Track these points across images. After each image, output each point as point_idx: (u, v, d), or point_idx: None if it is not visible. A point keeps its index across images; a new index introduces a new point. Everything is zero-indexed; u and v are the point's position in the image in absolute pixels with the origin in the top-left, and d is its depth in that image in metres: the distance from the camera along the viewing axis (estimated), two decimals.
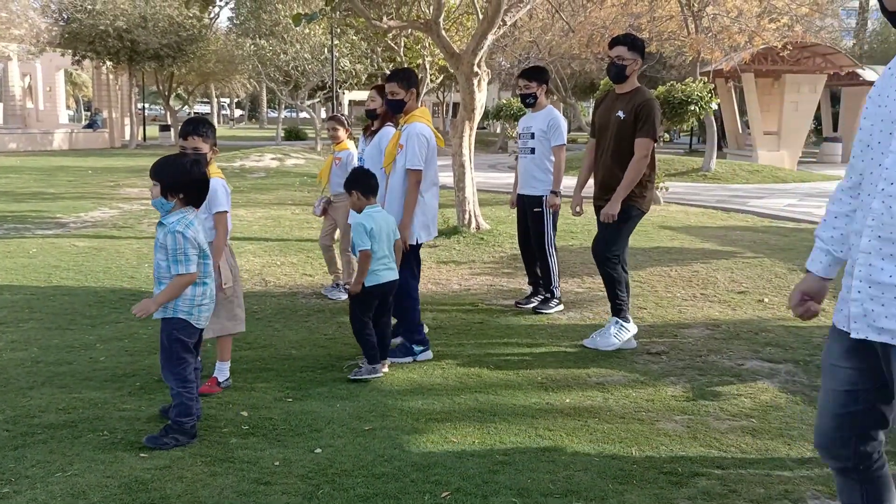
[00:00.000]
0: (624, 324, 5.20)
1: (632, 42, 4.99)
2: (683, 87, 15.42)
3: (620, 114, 4.95)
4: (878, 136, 2.06)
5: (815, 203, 13.82)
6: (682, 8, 18.00)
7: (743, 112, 26.19)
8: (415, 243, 4.94)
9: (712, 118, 18.16)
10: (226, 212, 4.17)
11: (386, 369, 4.66)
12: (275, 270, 7.63)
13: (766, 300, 6.57)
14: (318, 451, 3.50)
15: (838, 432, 2.24)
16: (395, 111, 5.10)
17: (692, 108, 15.59)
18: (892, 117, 2.02)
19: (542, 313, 6.12)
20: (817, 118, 29.32)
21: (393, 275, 4.60)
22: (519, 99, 6.31)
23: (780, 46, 19.15)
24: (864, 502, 2.29)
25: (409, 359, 4.90)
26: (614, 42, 5.03)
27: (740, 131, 27.24)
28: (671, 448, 3.59)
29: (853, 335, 2.09)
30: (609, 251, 5.12)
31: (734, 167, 19.48)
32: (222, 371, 4.36)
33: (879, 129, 2.05)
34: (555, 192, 6.01)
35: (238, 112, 76.86)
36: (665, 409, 4.10)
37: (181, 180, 3.48)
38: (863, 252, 2.05)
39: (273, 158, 21.20)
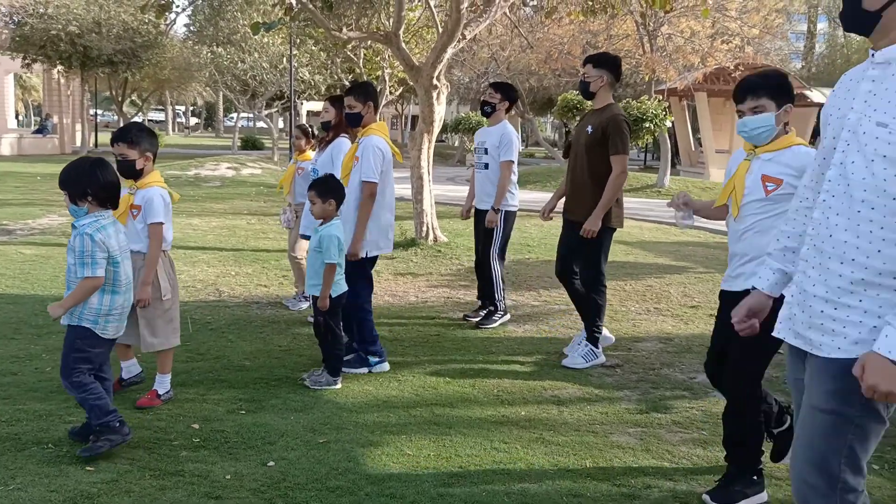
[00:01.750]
0: (594, 348, 5.23)
1: (597, 59, 5.11)
2: (639, 104, 15.69)
3: (589, 128, 5.06)
4: (826, 151, 2.13)
5: None
6: (637, 27, 18.35)
7: (696, 130, 26.72)
8: (365, 256, 4.91)
9: (666, 135, 18.51)
10: (161, 223, 4.08)
11: (339, 385, 4.63)
12: (229, 280, 7.53)
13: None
14: (271, 464, 3.45)
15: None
16: (352, 124, 5.09)
17: (647, 126, 15.84)
18: (835, 133, 2.09)
19: (484, 327, 6.09)
20: None
21: (345, 285, 4.71)
22: (480, 111, 6.36)
23: (731, 67, 19.61)
24: None
25: (365, 370, 4.87)
26: (585, 60, 5.18)
27: (693, 149, 27.78)
28: (624, 460, 3.62)
29: (774, 333, 2.18)
30: (597, 273, 5.15)
31: (687, 184, 19.84)
32: (163, 384, 4.26)
33: (831, 145, 2.12)
34: (494, 209, 5.95)
35: (194, 120, 75.83)
36: (619, 422, 4.14)
37: (83, 183, 3.46)
38: (801, 259, 2.14)
39: (229, 167, 20.96)
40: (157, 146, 4.22)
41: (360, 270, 4.89)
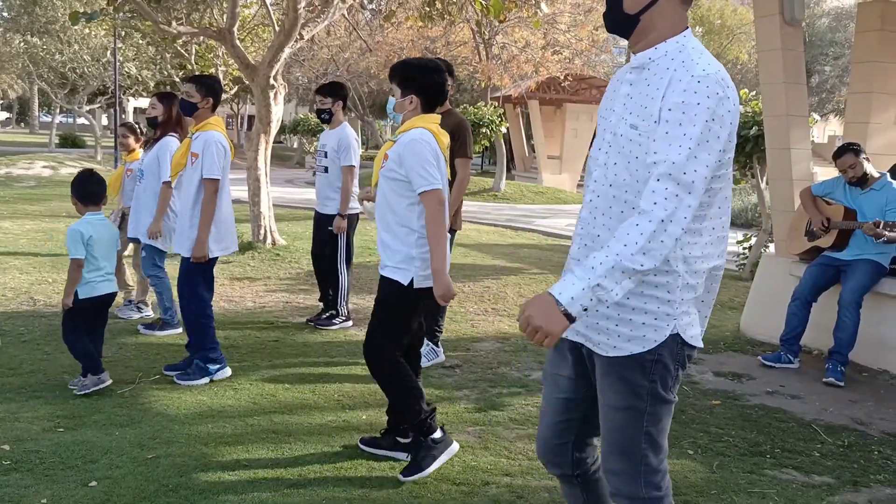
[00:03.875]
0: (434, 347, 5.29)
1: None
2: (476, 110, 16.07)
3: None
4: (594, 151, 2.22)
5: None
6: (474, 35, 18.84)
7: (529, 136, 27.81)
8: (209, 257, 4.70)
9: (502, 141, 19.12)
10: None
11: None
12: (46, 288, 6.96)
13: None
14: (94, 483, 3.21)
15: (557, 440, 2.33)
16: (186, 113, 4.84)
17: (483, 131, 16.25)
18: (602, 134, 2.18)
19: (322, 329, 6.05)
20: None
21: (112, 287, 4.47)
22: (318, 118, 6.25)
23: (561, 77, 20.60)
24: None
25: (206, 380, 4.65)
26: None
27: (527, 154, 28.91)
28: (463, 458, 3.68)
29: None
30: None
31: (522, 188, 20.60)
32: None
33: (597, 145, 2.21)
34: (341, 215, 5.92)
35: (4, 115, 69.65)
36: (459, 421, 4.21)
37: None
38: (572, 258, 2.22)
39: (45, 166, 19.44)
40: None
41: (200, 273, 4.67)
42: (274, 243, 9.35)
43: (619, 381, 2.09)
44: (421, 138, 3.35)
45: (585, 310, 1.88)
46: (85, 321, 4.39)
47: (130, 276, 6.45)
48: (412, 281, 3.39)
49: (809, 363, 5.64)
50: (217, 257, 4.75)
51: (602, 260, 1.88)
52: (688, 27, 2.09)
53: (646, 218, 1.89)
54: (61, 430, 3.81)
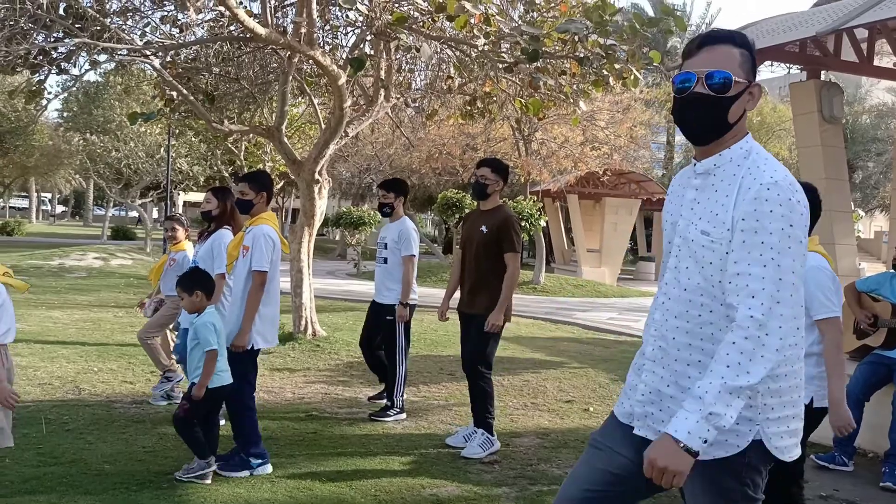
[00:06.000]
0: (490, 437, 5.31)
1: (496, 165, 5.42)
2: (515, 204, 16.27)
3: (483, 228, 5.29)
4: (665, 254, 2.27)
5: (633, 317, 14.77)
6: (513, 132, 19.27)
7: (568, 229, 27.96)
8: (251, 349, 4.76)
9: (541, 234, 19.24)
10: None
11: (209, 480, 4.39)
12: (91, 377, 7.07)
13: (591, 409, 6.85)
14: None
15: None
16: (242, 211, 5.06)
17: (523, 224, 16.40)
18: (669, 237, 2.23)
19: (378, 421, 6.04)
20: (634, 239, 31.85)
21: (229, 378, 4.54)
22: (380, 213, 6.46)
23: (600, 172, 20.83)
24: None
25: (246, 472, 4.62)
26: (482, 163, 5.46)
27: (566, 247, 28.98)
28: None
29: (636, 431, 2.21)
30: (483, 364, 5.34)
31: (561, 281, 20.56)
32: None
33: (667, 248, 2.26)
34: (402, 304, 6.04)
35: (60, 208, 72.36)
36: None
37: None
38: (647, 359, 2.21)
39: (97, 257, 20.02)
40: None
41: (243, 364, 4.73)
42: (314, 334, 9.41)
43: (711, 485, 2.07)
44: None
45: (705, 441, 1.88)
46: (204, 412, 4.46)
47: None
48: (811, 401, 3.36)
49: (864, 466, 5.41)
50: (260, 349, 4.81)
51: (708, 388, 1.89)
52: (748, 132, 2.14)
53: (741, 334, 1.91)
54: None
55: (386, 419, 6.07)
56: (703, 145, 2.13)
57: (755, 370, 1.88)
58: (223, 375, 4.47)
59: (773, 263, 1.92)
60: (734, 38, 2.10)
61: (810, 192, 3.37)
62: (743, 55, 2.08)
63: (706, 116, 2.08)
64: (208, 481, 4.39)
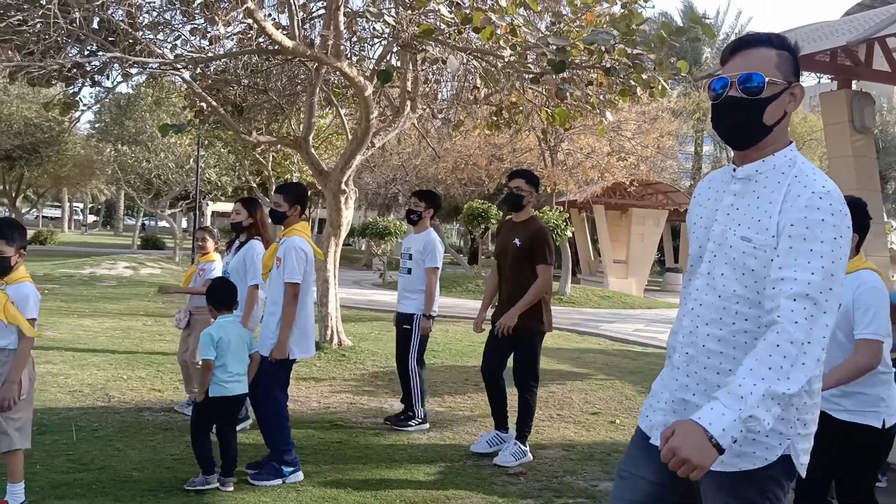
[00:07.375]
0: (524, 447, 5.36)
1: (530, 176, 5.47)
2: (541, 214, 16.22)
3: (517, 241, 5.32)
4: (693, 260, 2.21)
5: (660, 328, 14.64)
6: (539, 142, 19.24)
7: (595, 240, 27.82)
8: (288, 359, 4.80)
9: (567, 245, 19.17)
10: (34, 319, 3.91)
11: (230, 488, 4.41)
12: (120, 385, 7.16)
13: (617, 421, 6.79)
14: None
15: None
16: (275, 222, 5.10)
17: None
18: (700, 242, 2.17)
19: (398, 430, 6.03)
20: (661, 250, 31.60)
21: (242, 388, 4.54)
22: (406, 219, 6.49)
23: (627, 183, 20.72)
24: None
25: (279, 481, 4.65)
26: (515, 174, 5.49)
27: (592, 258, 28.82)
28: None
29: (652, 441, 2.15)
30: (533, 378, 5.44)
31: (587, 292, 20.44)
32: (15, 495, 3.90)
33: (697, 254, 2.20)
34: (426, 316, 6.06)
35: (92, 217, 73.50)
36: None
37: None
38: (674, 367, 2.16)
39: (127, 267, 20.29)
40: (27, 241, 4.10)
41: (278, 374, 4.77)
42: (340, 344, 9.45)
43: (734, 499, 2.03)
44: None
45: (735, 441, 1.81)
46: (210, 420, 4.52)
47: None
48: (884, 423, 3.30)
49: None
50: (295, 359, 4.85)
51: (752, 389, 1.81)
52: (792, 141, 2.11)
53: (786, 339, 1.84)
54: None
55: (408, 429, 6.06)
56: (743, 149, 2.10)
57: (795, 377, 1.81)
58: (227, 386, 4.46)
59: (823, 272, 1.87)
60: (770, 41, 2.07)
61: (859, 207, 3.28)
62: (780, 56, 2.05)
63: (741, 119, 2.05)
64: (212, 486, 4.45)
